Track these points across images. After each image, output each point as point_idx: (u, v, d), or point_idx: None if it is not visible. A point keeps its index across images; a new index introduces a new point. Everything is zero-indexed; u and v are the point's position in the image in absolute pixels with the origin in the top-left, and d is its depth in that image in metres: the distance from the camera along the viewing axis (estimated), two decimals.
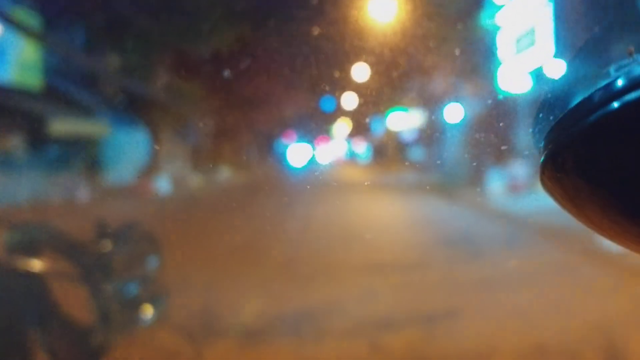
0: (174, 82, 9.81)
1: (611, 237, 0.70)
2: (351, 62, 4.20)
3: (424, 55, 3.76)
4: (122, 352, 2.66)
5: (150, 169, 8.89)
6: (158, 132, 9.69)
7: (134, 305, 2.52)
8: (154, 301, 2.54)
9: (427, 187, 9.91)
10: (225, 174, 11.70)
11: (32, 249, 2.33)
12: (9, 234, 2.08)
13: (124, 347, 2.69)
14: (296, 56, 4.42)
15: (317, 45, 3.78)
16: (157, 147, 9.29)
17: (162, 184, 9.49)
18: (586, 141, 0.61)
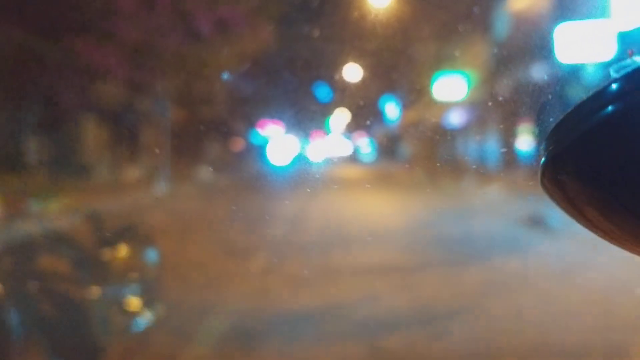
0: None
1: (611, 240, 0.70)
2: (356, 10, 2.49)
3: None
4: (120, 354, 2.65)
5: None
6: None
7: (132, 307, 2.52)
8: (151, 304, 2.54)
9: None
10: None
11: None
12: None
13: (123, 349, 2.67)
14: None
15: None
16: None
17: None
18: (586, 143, 0.61)
